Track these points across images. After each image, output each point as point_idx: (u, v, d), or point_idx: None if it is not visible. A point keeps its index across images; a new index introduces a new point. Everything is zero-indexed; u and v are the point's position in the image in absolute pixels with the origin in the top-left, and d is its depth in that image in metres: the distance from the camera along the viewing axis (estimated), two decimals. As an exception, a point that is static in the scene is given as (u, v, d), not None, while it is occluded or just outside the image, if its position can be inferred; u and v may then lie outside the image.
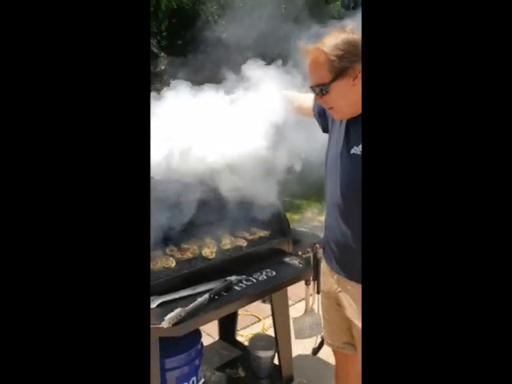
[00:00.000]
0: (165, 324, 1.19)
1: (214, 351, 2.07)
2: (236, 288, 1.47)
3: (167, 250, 1.63)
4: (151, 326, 1.22)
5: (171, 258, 1.56)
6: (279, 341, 1.87)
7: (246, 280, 1.53)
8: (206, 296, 1.36)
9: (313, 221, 4.98)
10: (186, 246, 1.67)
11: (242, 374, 1.95)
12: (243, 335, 2.43)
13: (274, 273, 1.59)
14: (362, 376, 0.68)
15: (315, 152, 1.58)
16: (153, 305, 1.34)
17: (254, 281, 1.53)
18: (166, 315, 1.25)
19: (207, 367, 1.90)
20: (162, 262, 1.53)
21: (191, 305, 1.29)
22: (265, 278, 1.56)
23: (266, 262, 1.68)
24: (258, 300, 1.50)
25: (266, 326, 2.56)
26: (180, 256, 1.58)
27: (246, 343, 2.14)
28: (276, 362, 1.93)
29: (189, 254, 1.60)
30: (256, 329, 2.55)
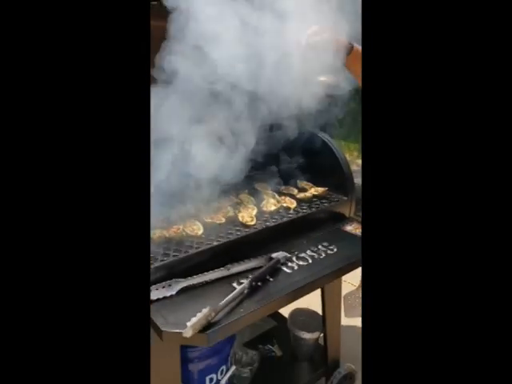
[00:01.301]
0: (187, 332, 0.81)
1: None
2: (285, 270, 1.07)
3: (192, 209, 1.22)
4: (171, 331, 0.85)
5: (197, 223, 1.15)
6: (327, 319, 1.52)
7: (298, 258, 1.12)
8: (246, 283, 0.96)
9: (351, 164, 4.48)
10: (216, 204, 1.26)
11: (277, 352, 1.64)
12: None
13: (335, 248, 1.17)
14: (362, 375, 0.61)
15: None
16: (172, 291, 0.96)
17: (309, 260, 1.11)
18: (188, 312, 0.87)
19: (237, 343, 1.58)
20: (186, 227, 1.12)
21: (225, 300, 0.90)
22: (323, 256, 1.14)
23: (323, 232, 1.26)
24: (315, 290, 1.09)
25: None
26: (210, 220, 1.17)
27: (282, 312, 1.82)
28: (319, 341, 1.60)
29: (221, 218, 1.18)
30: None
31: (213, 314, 0.86)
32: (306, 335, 1.53)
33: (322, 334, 1.56)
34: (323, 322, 1.53)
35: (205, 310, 0.85)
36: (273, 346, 1.66)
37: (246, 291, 0.95)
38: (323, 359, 1.59)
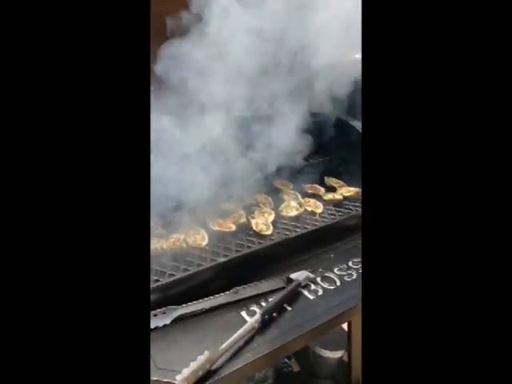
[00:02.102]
0: (178, 388, 0.63)
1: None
2: (307, 295, 0.87)
3: (196, 213, 1.02)
4: (160, 380, 0.67)
5: (202, 231, 0.95)
6: (353, 335, 1.31)
7: (323, 279, 0.92)
8: (256, 317, 0.77)
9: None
10: (225, 206, 1.06)
11: (294, 367, 1.47)
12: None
13: (369, 266, 0.96)
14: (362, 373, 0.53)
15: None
16: (166, 320, 0.78)
17: (337, 282, 0.91)
18: (184, 351, 0.69)
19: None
20: (188, 236, 0.93)
21: (227, 342, 0.70)
22: (354, 276, 0.93)
23: (355, 244, 1.04)
24: (343, 323, 0.89)
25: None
26: (217, 228, 0.98)
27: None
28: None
29: (230, 225, 0.98)
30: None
31: (213, 359, 0.68)
32: (328, 354, 1.34)
33: (346, 352, 1.37)
34: (348, 338, 1.33)
35: (201, 358, 0.66)
36: (289, 359, 1.49)
37: (256, 325, 0.76)
38: (346, 378, 1.40)
